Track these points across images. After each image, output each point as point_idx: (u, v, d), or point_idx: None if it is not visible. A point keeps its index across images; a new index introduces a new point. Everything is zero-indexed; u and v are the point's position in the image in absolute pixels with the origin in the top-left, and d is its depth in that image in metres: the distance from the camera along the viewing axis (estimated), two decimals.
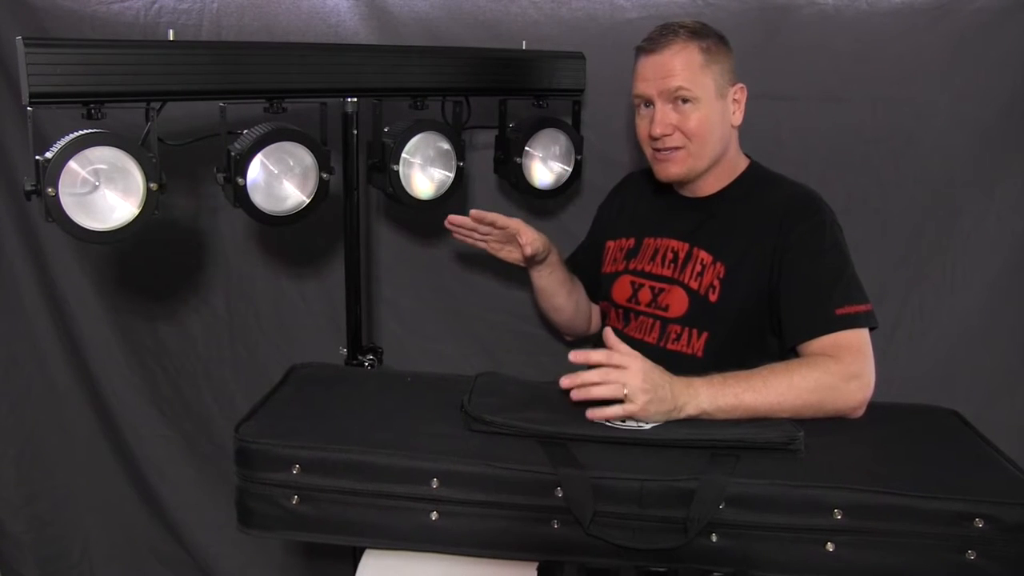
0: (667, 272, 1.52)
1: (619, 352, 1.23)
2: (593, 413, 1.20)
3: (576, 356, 1.23)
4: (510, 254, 1.62)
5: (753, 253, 1.44)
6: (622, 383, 1.19)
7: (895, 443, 1.24)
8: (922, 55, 1.75)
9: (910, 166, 1.80)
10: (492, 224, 1.55)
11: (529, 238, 1.54)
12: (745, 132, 1.54)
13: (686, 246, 1.51)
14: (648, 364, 1.23)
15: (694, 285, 1.47)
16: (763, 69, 1.74)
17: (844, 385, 1.29)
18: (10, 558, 1.96)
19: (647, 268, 1.55)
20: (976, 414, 1.35)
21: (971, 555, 1.06)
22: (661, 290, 1.51)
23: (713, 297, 1.45)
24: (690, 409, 1.23)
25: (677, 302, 1.48)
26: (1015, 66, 1.73)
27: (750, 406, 1.24)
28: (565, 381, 1.21)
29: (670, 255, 1.52)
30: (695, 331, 1.46)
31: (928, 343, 1.85)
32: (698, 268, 1.48)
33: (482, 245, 1.62)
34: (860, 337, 1.35)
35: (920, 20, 1.73)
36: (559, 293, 1.68)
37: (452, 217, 1.57)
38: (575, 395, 1.20)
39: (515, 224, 1.55)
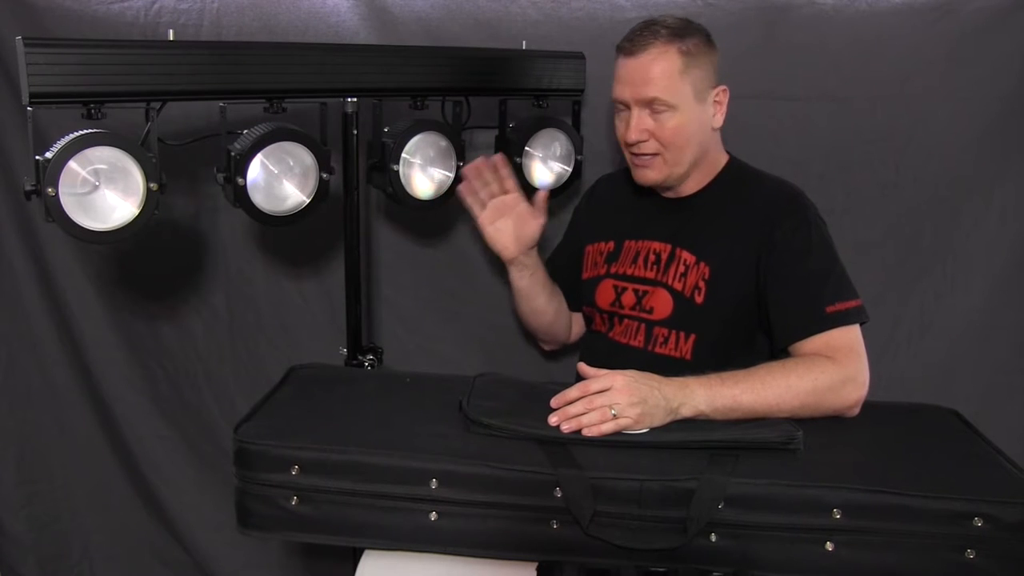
0: (650, 274, 1.50)
1: (596, 379, 1.22)
2: (588, 432, 1.18)
3: (556, 401, 1.22)
4: (498, 232, 1.56)
5: (738, 253, 1.43)
6: (607, 405, 1.18)
7: (894, 443, 1.24)
8: (922, 55, 1.75)
9: (910, 166, 1.80)
10: (502, 182, 1.55)
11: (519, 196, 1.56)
12: (745, 132, 1.54)
13: (668, 247, 1.49)
14: (631, 377, 1.22)
15: (678, 286, 1.46)
16: (763, 69, 1.74)
17: (840, 386, 1.28)
18: (10, 558, 1.96)
19: (629, 271, 1.53)
20: (976, 414, 1.35)
21: (970, 554, 1.06)
22: (645, 292, 1.50)
23: (699, 299, 1.44)
24: (686, 411, 1.22)
25: (661, 304, 1.47)
26: (1015, 66, 1.73)
27: (748, 407, 1.24)
28: (553, 419, 1.19)
29: (652, 256, 1.51)
30: (682, 334, 1.45)
31: (928, 343, 1.85)
32: (681, 269, 1.47)
33: (477, 210, 1.57)
34: (852, 335, 1.35)
35: (920, 20, 1.73)
36: (540, 294, 1.64)
37: (479, 161, 1.56)
38: (565, 428, 1.18)
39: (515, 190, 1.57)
